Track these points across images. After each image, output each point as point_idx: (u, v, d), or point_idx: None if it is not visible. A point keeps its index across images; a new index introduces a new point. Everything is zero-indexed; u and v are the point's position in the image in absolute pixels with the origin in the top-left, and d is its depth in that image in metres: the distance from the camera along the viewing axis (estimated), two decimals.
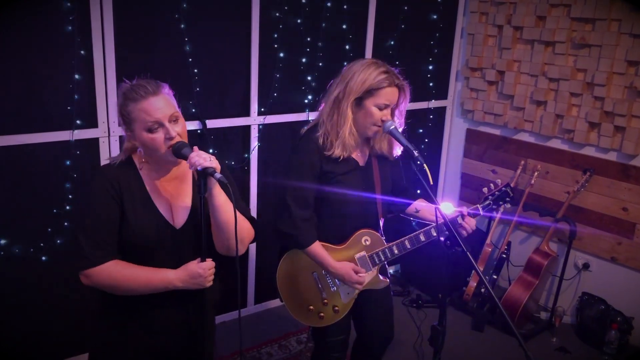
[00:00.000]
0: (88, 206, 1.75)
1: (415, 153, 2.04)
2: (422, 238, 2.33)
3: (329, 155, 2.18)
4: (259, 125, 3.44)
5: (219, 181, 1.64)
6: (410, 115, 4.13)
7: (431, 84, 4.23)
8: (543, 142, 3.89)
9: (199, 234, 1.77)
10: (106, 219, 1.74)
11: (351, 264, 2.30)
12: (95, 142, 2.90)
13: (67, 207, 2.85)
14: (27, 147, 2.72)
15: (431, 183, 1.99)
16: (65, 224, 2.86)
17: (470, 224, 2.32)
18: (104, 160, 2.92)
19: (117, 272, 1.74)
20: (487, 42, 4.09)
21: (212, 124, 3.24)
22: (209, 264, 1.75)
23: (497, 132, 4.16)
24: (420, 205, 2.45)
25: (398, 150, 2.32)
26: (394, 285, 4.24)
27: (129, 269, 1.75)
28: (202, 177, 1.66)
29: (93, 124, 2.88)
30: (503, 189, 2.40)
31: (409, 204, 2.46)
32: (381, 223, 2.42)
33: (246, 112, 3.38)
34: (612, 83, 3.46)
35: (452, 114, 4.43)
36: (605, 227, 3.63)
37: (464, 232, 2.32)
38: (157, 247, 1.78)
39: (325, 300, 2.35)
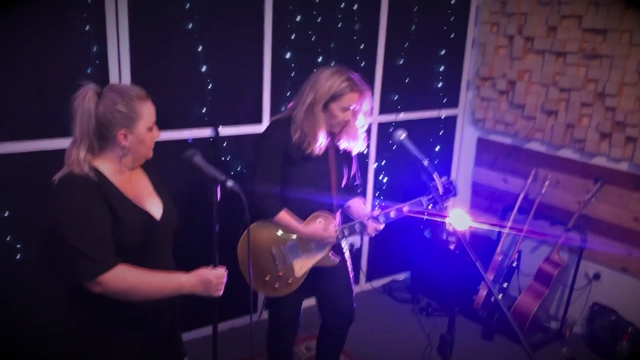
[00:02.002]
0: (78, 214, 1.69)
1: (425, 163, 2.07)
2: (357, 228, 2.58)
3: (295, 144, 2.44)
4: None
5: (232, 189, 1.67)
6: (421, 123, 4.20)
7: (442, 93, 4.26)
8: (554, 151, 3.89)
9: (174, 226, 1.86)
10: (103, 221, 1.71)
11: (318, 224, 2.54)
12: None
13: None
14: (41, 153, 2.76)
15: (441, 193, 2.02)
16: None
17: (371, 226, 2.53)
18: None
19: (132, 276, 1.72)
20: (498, 52, 4.10)
21: (224, 131, 3.29)
22: (221, 272, 1.76)
23: (508, 141, 4.17)
24: (352, 204, 2.70)
25: (356, 150, 2.60)
26: (403, 292, 4.26)
27: (143, 273, 1.74)
28: (213, 184, 1.69)
29: None
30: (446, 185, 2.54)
31: (347, 200, 2.71)
32: (335, 206, 2.64)
33: (258, 119, 3.42)
34: (623, 94, 3.46)
35: (462, 123, 4.45)
36: (617, 237, 3.62)
37: (366, 234, 2.59)
38: (147, 243, 1.80)
39: (280, 273, 2.57)
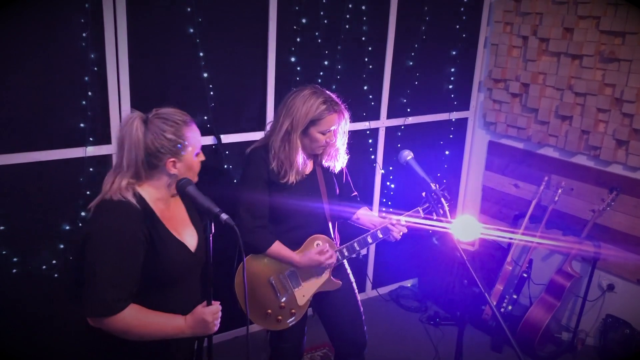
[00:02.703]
0: (110, 246, 1.65)
1: (433, 186, 1.98)
2: (370, 240, 2.50)
3: (276, 171, 2.35)
4: None
5: (226, 223, 1.59)
6: (431, 125, 4.09)
7: (453, 95, 4.13)
8: (568, 157, 3.76)
9: (206, 255, 1.81)
10: (132, 266, 1.67)
11: (313, 249, 2.44)
12: (108, 158, 2.87)
13: (80, 225, 2.84)
14: (40, 165, 2.70)
15: (448, 218, 1.93)
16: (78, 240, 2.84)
17: (396, 230, 2.45)
18: None
19: (133, 318, 1.68)
20: (512, 53, 3.96)
21: (227, 139, 3.19)
22: (215, 307, 1.70)
23: (520, 145, 4.04)
24: (360, 213, 2.63)
25: (338, 167, 2.50)
26: (410, 300, 4.17)
27: (143, 316, 1.70)
28: (208, 218, 1.61)
29: (106, 140, 2.85)
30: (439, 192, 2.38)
31: (353, 212, 2.63)
32: (330, 227, 2.54)
33: (262, 127, 3.31)
34: None
35: (474, 126, 4.32)
36: (632, 247, 3.50)
37: (392, 238, 2.47)
38: (183, 275, 1.77)
39: (282, 304, 2.47)
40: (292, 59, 3.31)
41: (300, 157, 2.35)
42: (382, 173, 3.95)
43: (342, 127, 2.38)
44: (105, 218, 1.69)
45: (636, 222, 3.46)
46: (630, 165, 3.43)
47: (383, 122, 3.84)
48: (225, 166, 3.22)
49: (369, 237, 2.47)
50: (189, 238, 1.86)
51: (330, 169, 2.49)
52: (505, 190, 4.15)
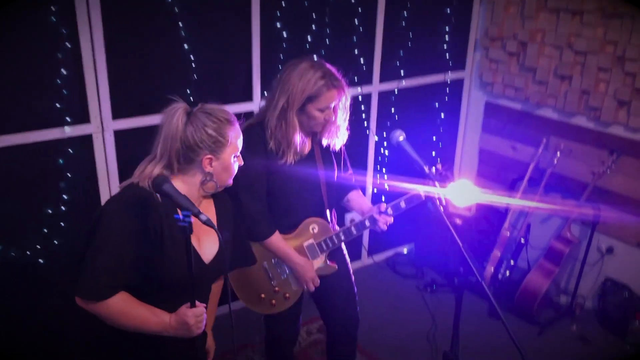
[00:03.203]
0: (113, 233, 1.61)
1: (426, 169, 1.87)
2: (367, 224, 2.37)
3: (273, 151, 2.22)
4: None
5: (205, 224, 1.50)
6: (426, 88, 3.94)
7: (448, 55, 3.97)
8: (567, 119, 3.64)
9: (222, 269, 1.78)
10: (131, 257, 1.62)
11: (310, 262, 2.37)
12: (88, 138, 2.75)
13: (63, 208, 2.74)
14: (17, 148, 2.58)
15: (444, 203, 1.83)
16: (62, 224, 2.76)
17: (382, 220, 2.35)
18: (99, 158, 2.79)
19: (119, 306, 1.64)
20: (509, 10, 3.78)
21: None
22: (199, 310, 1.62)
23: (517, 106, 3.91)
24: (351, 197, 2.53)
25: (338, 145, 2.36)
26: (407, 266, 4.13)
27: (130, 307, 1.66)
28: (185, 216, 1.51)
29: (85, 119, 2.72)
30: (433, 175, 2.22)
31: (346, 194, 2.53)
32: (327, 209, 2.44)
33: (248, 97, 3.19)
34: None
35: (470, 87, 4.17)
36: (632, 210, 3.42)
37: (378, 229, 2.36)
38: (185, 284, 1.68)
39: (277, 289, 2.40)
40: (278, 24, 3.14)
41: (298, 136, 2.20)
42: (375, 140, 3.83)
43: (342, 103, 2.22)
44: (119, 202, 1.65)
45: (637, 185, 3.37)
46: (632, 127, 3.32)
47: (376, 87, 3.69)
48: None
49: (366, 220, 2.36)
50: (208, 247, 1.78)
51: (330, 147, 2.34)
52: (503, 153, 4.05)
